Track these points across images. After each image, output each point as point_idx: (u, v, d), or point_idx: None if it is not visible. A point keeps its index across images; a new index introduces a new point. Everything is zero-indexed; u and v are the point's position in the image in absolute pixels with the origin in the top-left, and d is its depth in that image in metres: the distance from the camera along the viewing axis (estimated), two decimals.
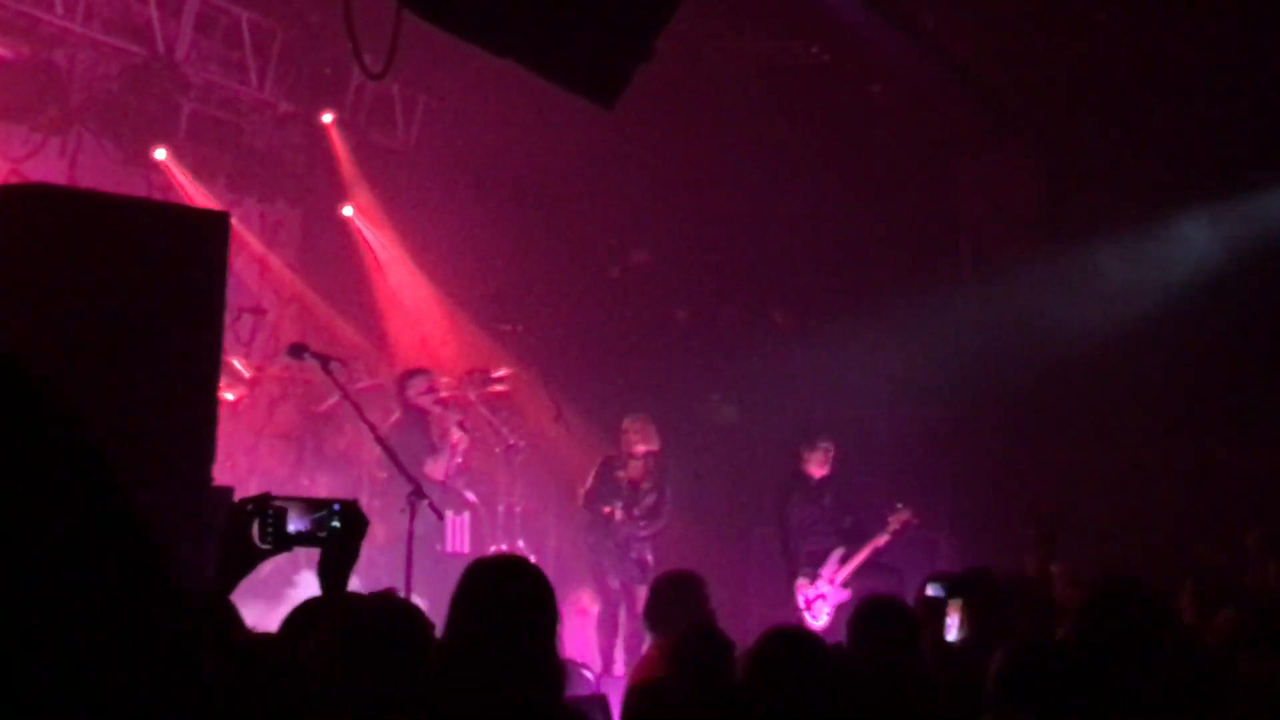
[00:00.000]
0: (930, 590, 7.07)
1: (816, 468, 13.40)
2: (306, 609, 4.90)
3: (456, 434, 12.79)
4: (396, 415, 12.71)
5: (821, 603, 12.86)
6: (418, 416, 12.75)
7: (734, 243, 16.21)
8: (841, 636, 6.68)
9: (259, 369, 13.50)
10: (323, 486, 12.68)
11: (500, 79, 11.40)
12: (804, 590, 12.96)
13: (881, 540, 12.88)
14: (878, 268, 15.36)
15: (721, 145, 15.51)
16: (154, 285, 6.53)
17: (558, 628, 4.83)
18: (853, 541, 13.02)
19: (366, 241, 15.78)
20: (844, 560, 12.93)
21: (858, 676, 5.84)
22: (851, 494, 13.50)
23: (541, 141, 15.03)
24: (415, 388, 12.81)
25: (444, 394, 13.85)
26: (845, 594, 12.68)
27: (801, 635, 5.85)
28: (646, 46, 6.00)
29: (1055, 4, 13.23)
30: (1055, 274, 14.36)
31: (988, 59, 14.22)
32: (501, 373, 14.32)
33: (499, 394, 14.24)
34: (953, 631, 6.89)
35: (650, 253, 16.75)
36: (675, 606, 7.75)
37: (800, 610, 12.90)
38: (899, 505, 12.92)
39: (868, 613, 6.58)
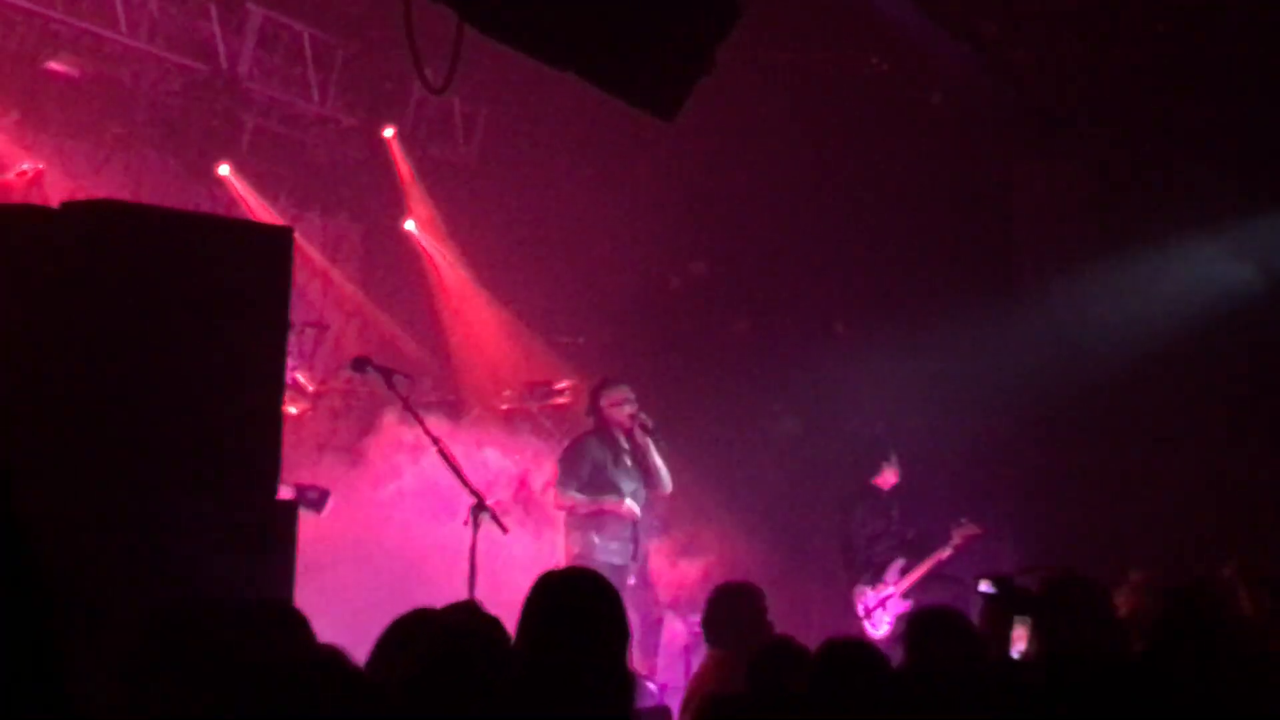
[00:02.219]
0: (982, 587, 7.03)
1: (886, 479, 13.39)
2: (401, 625, 4.95)
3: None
4: (589, 427, 12.39)
5: (881, 612, 12.81)
6: (609, 429, 12.27)
7: (793, 253, 16.17)
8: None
9: (322, 383, 13.57)
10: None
11: (560, 92, 11.43)
12: (864, 599, 12.92)
13: (945, 553, 12.83)
14: (937, 277, 15.28)
15: (779, 155, 15.47)
16: (218, 300, 6.57)
17: (629, 640, 4.84)
18: (916, 553, 12.97)
19: (428, 255, 15.84)
20: (905, 571, 12.89)
21: (917, 687, 5.81)
22: (914, 505, 13.45)
23: (601, 153, 15.07)
24: (609, 399, 12.30)
25: (505, 406, 13.89)
26: (906, 604, 12.62)
27: (857, 646, 5.83)
28: (706, 59, 6.01)
29: (1113, 12, 13.14)
30: (1114, 281, 14.26)
31: (1046, 66, 14.14)
32: (563, 384, 14.33)
33: (561, 405, 14.25)
34: (1019, 646, 6.84)
35: (710, 263, 16.74)
36: (735, 618, 7.74)
37: (860, 618, 12.86)
38: (963, 519, 12.87)
39: (924, 623, 6.53)
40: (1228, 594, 8.01)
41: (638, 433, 12.05)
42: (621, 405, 12.09)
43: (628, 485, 11.90)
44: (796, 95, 14.91)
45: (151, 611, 4.92)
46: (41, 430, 6.09)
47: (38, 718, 1.80)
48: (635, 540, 11.94)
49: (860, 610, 12.91)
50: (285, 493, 9.36)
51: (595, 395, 12.32)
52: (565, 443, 12.54)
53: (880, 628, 12.73)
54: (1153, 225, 14.29)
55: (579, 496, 11.75)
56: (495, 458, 13.08)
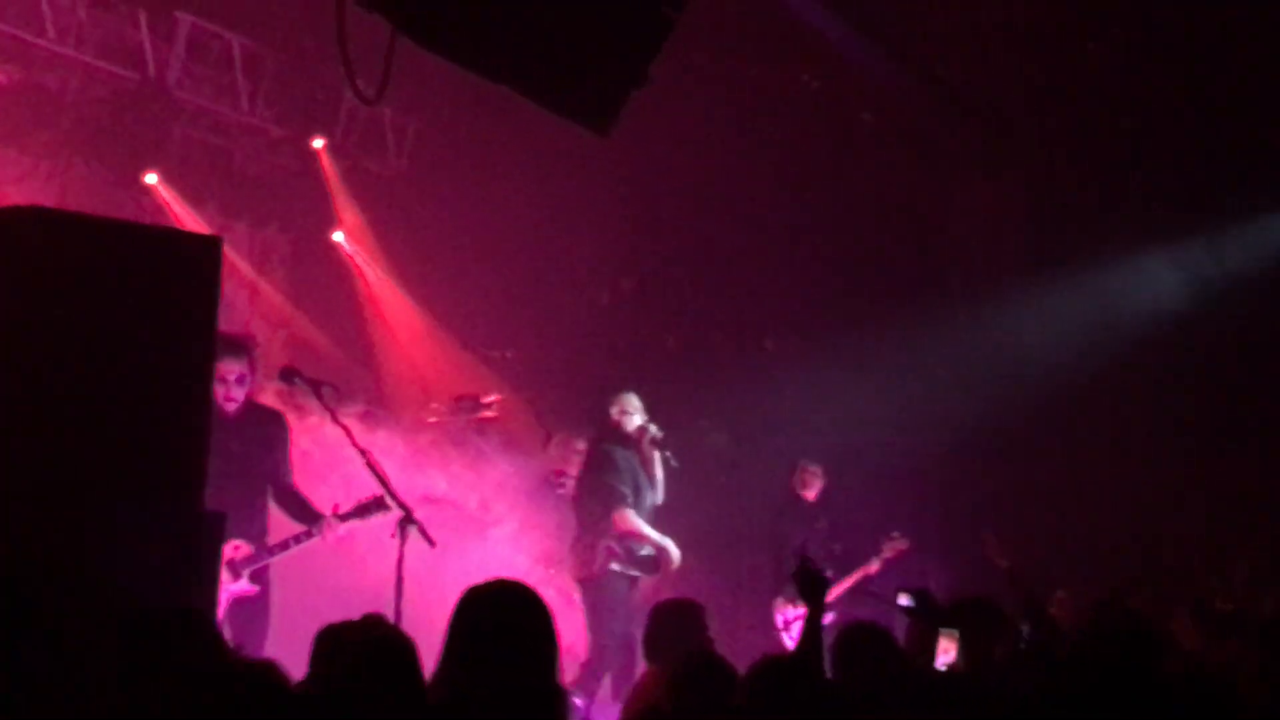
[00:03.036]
0: (901, 600, 7.08)
1: (808, 490, 13.40)
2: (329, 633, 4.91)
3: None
4: (599, 435, 11.95)
5: (801, 624, 12.79)
6: (624, 438, 11.83)
7: (724, 269, 16.21)
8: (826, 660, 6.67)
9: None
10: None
11: (492, 105, 11.40)
12: (783, 611, 12.90)
13: (873, 568, 12.88)
14: (868, 295, 15.36)
15: (711, 171, 15.50)
16: (145, 309, 6.50)
17: (557, 654, 4.81)
18: (842, 567, 12.96)
19: (357, 267, 15.76)
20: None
21: (849, 704, 5.82)
22: (844, 520, 13.49)
23: (531, 167, 15.04)
24: (619, 407, 11.81)
25: (433, 419, 13.81)
26: (830, 617, 12.63)
27: (793, 664, 5.83)
28: (641, 73, 6.01)
29: (1047, 33, 13.26)
30: (1045, 302, 14.38)
31: (978, 87, 14.25)
32: (491, 398, 14.27)
33: (489, 419, 14.19)
34: (944, 659, 6.88)
35: (639, 279, 16.75)
36: (675, 635, 7.72)
37: (778, 630, 12.84)
38: (895, 534, 12.91)
39: (849, 639, 6.57)
40: (1151, 609, 8.12)
41: (645, 444, 11.77)
42: (630, 415, 11.79)
43: (649, 499, 11.73)
44: (730, 111, 14.95)
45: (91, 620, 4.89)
46: None
47: None
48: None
49: (779, 622, 12.90)
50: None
51: (603, 404, 11.94)
52: (586, 453, 12.15)
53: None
54: (1088, 242, 14.42)
55: (646, 528, 11.51)
56: (425, 469, 13.01)
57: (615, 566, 11.43)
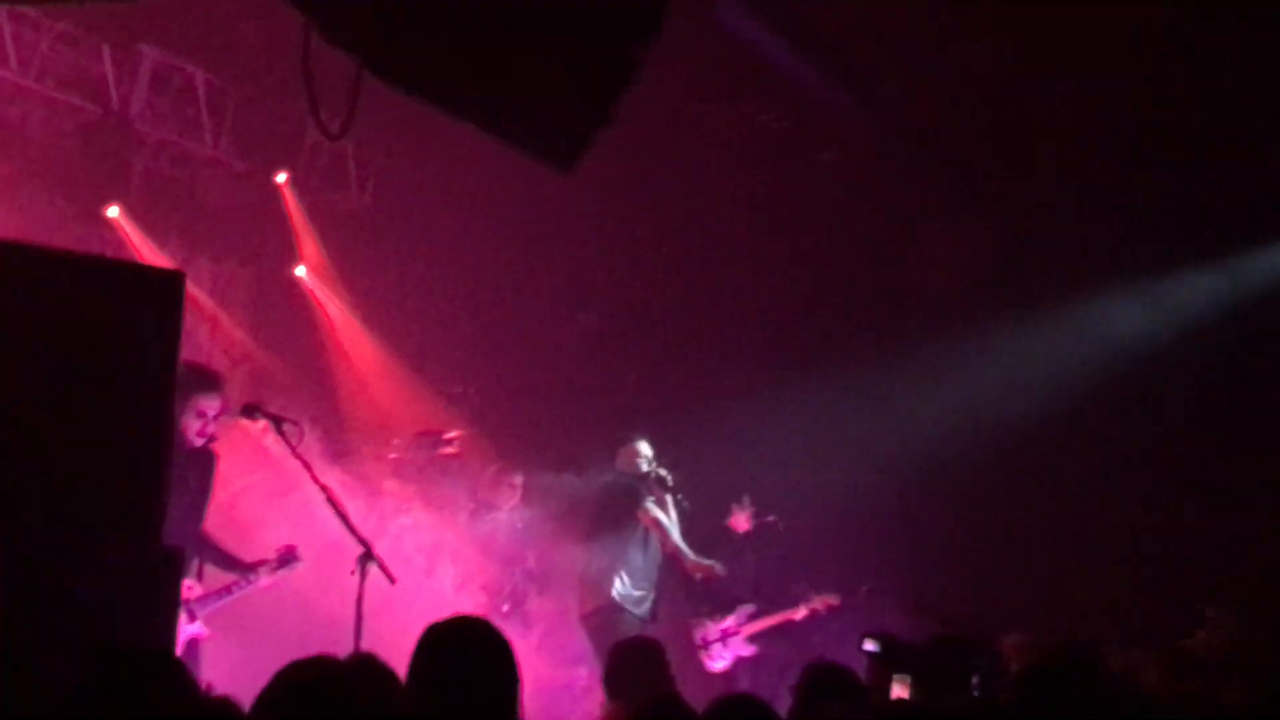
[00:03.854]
0: (867, 645, 7.10)
1: (739, 523, 13.44)
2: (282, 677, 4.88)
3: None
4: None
5: (720, 646, 12.81)
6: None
7: (685, 306, 16.24)
8: (742, 687, 6.66)
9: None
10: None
11: (457, 141, 11.41)
12: (703, 630, 12.96)
13: (797, 614, 12.83)
14: (831, 334, 15.40)
15: (674, 209, 15.56)
16: (106, 343, 6.47)
17: (518, 691, 4.80)
18: (769, 604, 12.99)
19: (319, 302, 15.72)
20: (753, 617, 12.89)
21: None
22: (785, 557, 13.49)
23: (494, 204, 15.05)
24: (626, 455, 12.68)
25: (394, 455, 13.78)
26: (751, 649, 12.67)
27: (753, 703, 5.82)
28: (605, 112, 6.02)
29: (1012, 73, 13.34)
30: (1006, 343, 14.44)
31: (943, 127, 14.32)
32: (452, 434, 14.24)
33: (449, 455, 14.16)
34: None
35: (601, 315, 16.76)
36: (637, 674, 7.74)
37: (698, 648, 12.90)
38: (827, 593, 12.85)
39: (813, 678, 6.57)
40: (1097, 651, 8.14)
41: (654, 488, 12.20)
42: (640, 460, 12.38)
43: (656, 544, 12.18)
44: (693, 150, 15.00)
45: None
46: None
47: None
48: (655, 594, 12.11)
49: (698, 640, 12.95)
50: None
51: (618, 450, 12.60)
52: (598, 492, 12.63)
53: (718, 662, 12.78)
54: (1050, 284, 14.49)
55: (662, 516, 11.92)
56: (388, 507, 12.96)
57: (619, 588, 11.73)
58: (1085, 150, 13.93)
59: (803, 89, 13.49)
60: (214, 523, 10.01)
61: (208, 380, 9.24)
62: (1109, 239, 14.18)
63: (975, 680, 7.03)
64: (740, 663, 12.79)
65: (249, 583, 9.81)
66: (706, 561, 12.44)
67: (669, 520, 12.31)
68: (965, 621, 10.00)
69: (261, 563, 9.85)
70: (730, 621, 12.91)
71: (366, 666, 5.22)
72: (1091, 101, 13.36)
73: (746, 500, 13.55)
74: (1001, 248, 15.18)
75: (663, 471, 12.32)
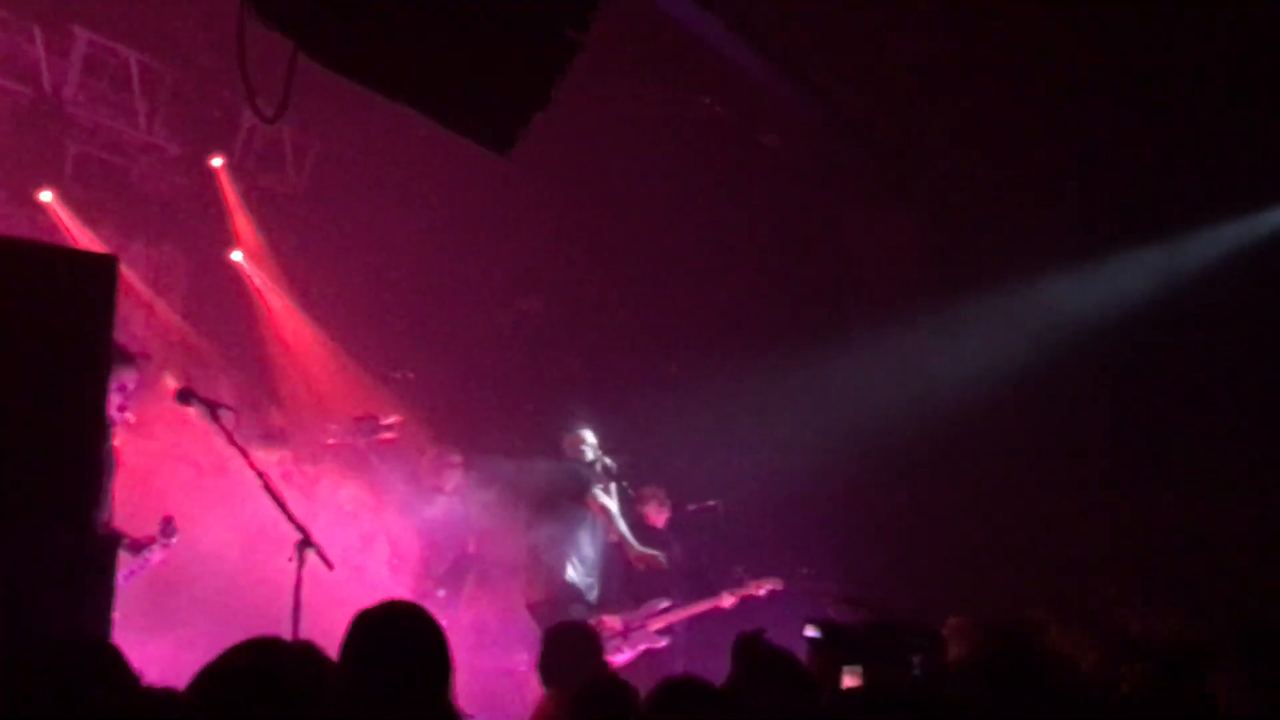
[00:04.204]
0: (808, 632, 7.11)
1: (653, 516, 13.33)
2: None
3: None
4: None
5: (620, 640, 12.71)
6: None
7: (627, 291, 16.23)
8: (640, 680, 6.64)
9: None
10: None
11: (395, 125, 11.36)
12: (608, 624, 12.86)
13: (726, 601, 12.70)
14: (771, 318, 15.44)
15: (615, 194, 15.54)
16: (39, 328, 6.41)
17: (451, 676, 4.78)
18: (694, 595, 12.90)
19: (255, 287, 15.61)
20: (666, 611, 12.76)
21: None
22: (743, 541, 13.46)
23: (434, 188, 14.99)
24: (569, 441, 12.75)
25: (332, 440, 13.71)
26: (661, 642, 12.59)
27: (695, 685, 5.82)
28: (544, 95, 6.00)
29: (945, 58, 13.38)
30: (946, 325, 14.51)
31: (879, 112, 14.36)
32: (391, 420, 14.18)
33: (388, 440, 14.10)
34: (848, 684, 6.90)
35: (542, 300, 16.73)
36: (571, 659, 7.75)
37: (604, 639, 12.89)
38: (761, 579, 12.76)
39: (753, 659, 6.56)
40: (1039, 631, 8.20)
41: (599, 476, 12.19)
42: (584, 448, 12.39)
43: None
44: (633, 134, 14.97)
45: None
46: None
47: None
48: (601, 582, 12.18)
49: (604, 633, 12.91)
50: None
51: (563, 438, 12.65)
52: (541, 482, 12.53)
53: (618, 655, 12.72)
54: (990, 265, 14.57)
55: (610, 504, 11.93)
56: (324, 492, 12.91)
57: (572, 575, 11.72)
58: (1020, 134, 14.00)
59: (740, 74, 13.49)
60: (137, 506, 9.90)
61: (123, 355, 9.13)
62: (1048, 221, 14.25)
63: (917, 660, 7.06)
64: (650, 655, 12.62)
65: (145, 561, 9.63)
66: (650, 551, 12.39)
67: (615, 509, 12.31)
68: (895, 611, 10.05)
69: (150, 539, 9.65)
70: (640, 617, 12.75)
71: (305, 655, 5.18)
72: (1026, 85, 13.43)
73: (663, 494, 13.45)
74: (937, 230, 15.25)
75: (608, 460, 12.31)
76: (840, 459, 14.72)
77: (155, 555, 9.66)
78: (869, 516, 14.74)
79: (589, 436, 12.51)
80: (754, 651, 6.56)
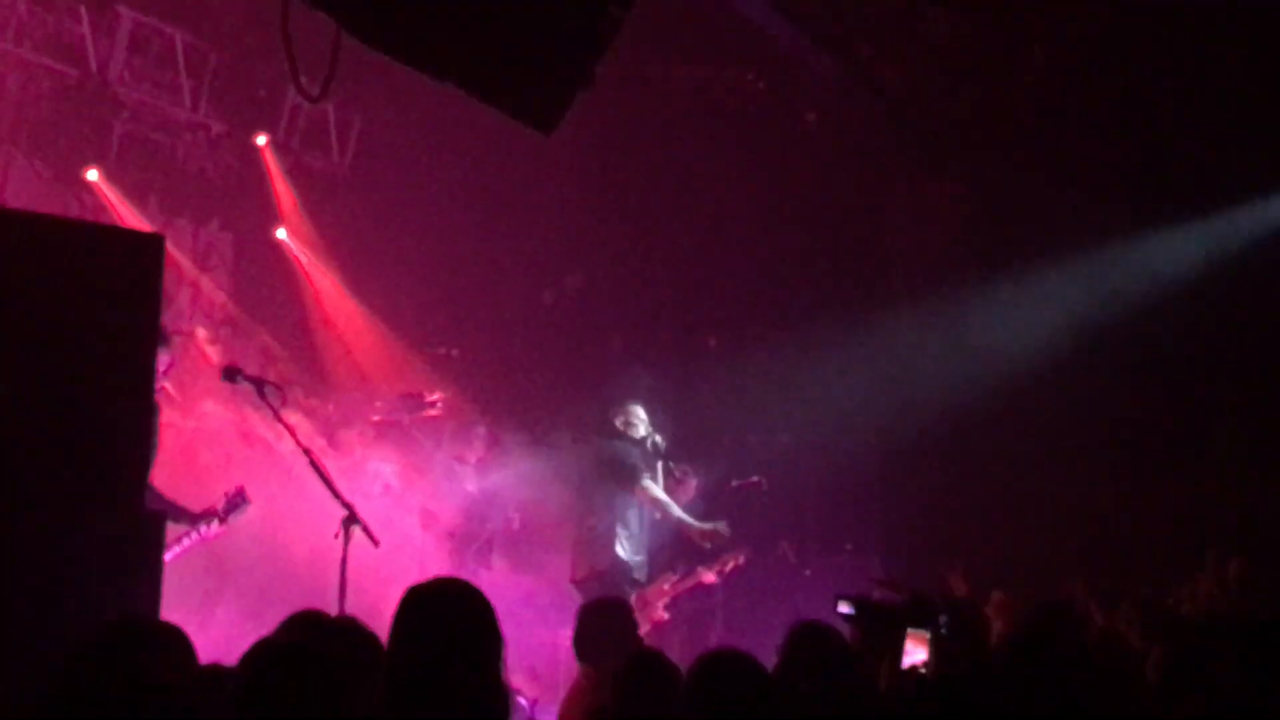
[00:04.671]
0: (841, 608, 7.05)
1: (681, 492, 13.24)
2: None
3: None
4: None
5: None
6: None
7: (668, 267, 16.22)
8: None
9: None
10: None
11: (437, 103, 11.37)
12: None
13: (708, 578, 12.60)
14: (812, 293, 15.40)
15: (657, 170, 15.52)
16: (86, 307, 6.44)
17: (501, 652, 4.79)
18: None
19: (300, 264, 15.66)
20: (674, 584, 12.68)
21: (794, 702, 5.82)
22: (761, 523, 13.35)
23: (476, 166, 15.01)
24: (622, 418, 12.40)
25: (377, 417, 13.77)
26: (664, 616, 12.51)
27: (738, 658, 5.81)
28: (587, 73, 5.99)
29: (988, 37, 13.33)
30: (990, 302, 14.44)
31: (921, 88, 14.30)
32: (435, 396, 14.22)
33: (433, 418, 14.15)
34: (911, 660, 6.83)
35: (584, 277, 16.74)
36: (607, 635, 7.74)
37: None
38: (733, 552, 12.64)
39: (798, 637, 6.52)
40: (1080, 608, 8.19)
41: (649, 453, 12.12)
42: (635, 425, 12.18)
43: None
44: (673, 110, 14.97)
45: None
46: None
47: None
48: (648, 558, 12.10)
49: None
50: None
51: (608, 415, 12.39)
52: (592, 454, 12.42)
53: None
54: (1034, 242, 14.48)
55: (661, 494, 11.84)
56: (372, 469, 12.96)
57: (621, 553, 11.68)
58: (1062, 108, 13.93)
59: (781, 49, 13.45)
60: (191, 482, 9.92)
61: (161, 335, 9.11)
62: (1087, 196, 14.17)
63: (943, 620, 6.99)
64: (657, 628, 12.52)
65: (199, 533, 9.56)
66: (709, 526, 12.24)
67: (665, 495, 12.16)
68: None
69: (210, 511, 9.59)
70: (659, 589, 12.65)
71: (350, 631, 5.21)
72: (1066, 66, 13.37)
73: (679, 470, 13.34)
74: (980, 207, 15.17)
75: (658, 438, 12.22)
76: (882, 435, 14.70)
77: (213, 529, 9.60)
78: (911, 492, 14.72)
79: (640, 413, 12.38)
80: (811, 643, 6.48)
